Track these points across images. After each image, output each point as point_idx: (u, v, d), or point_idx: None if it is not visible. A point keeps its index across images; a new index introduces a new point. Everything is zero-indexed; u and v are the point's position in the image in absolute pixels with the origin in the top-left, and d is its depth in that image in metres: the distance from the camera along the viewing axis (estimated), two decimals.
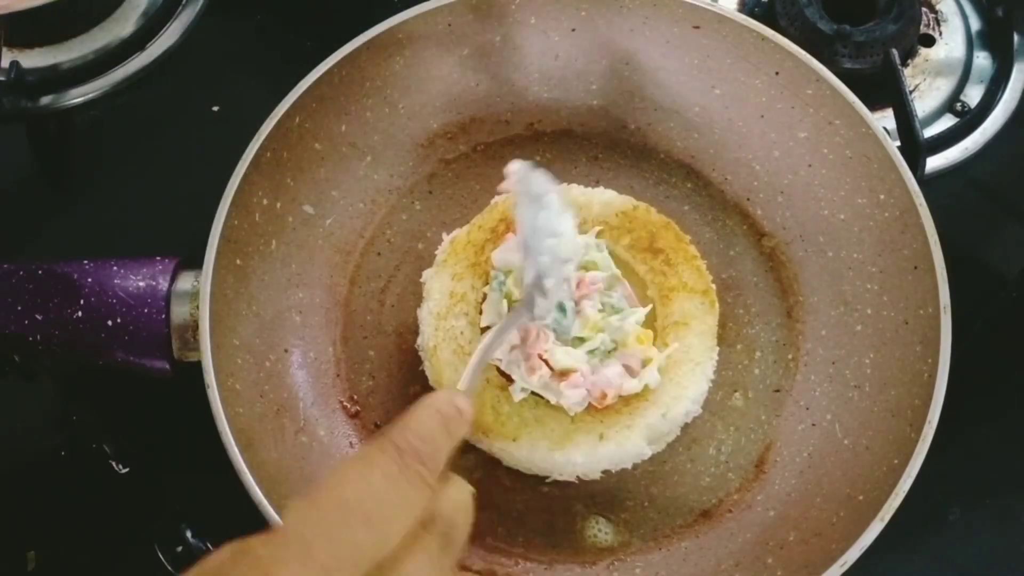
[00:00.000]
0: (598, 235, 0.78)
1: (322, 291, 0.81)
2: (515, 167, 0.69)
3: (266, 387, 0.75)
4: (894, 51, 0.89)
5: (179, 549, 0.76)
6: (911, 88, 0.94)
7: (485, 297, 0.76)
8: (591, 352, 0.72)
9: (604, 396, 0.72)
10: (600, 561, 0.74)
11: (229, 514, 0.71)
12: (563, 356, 0.71)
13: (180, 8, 0.98)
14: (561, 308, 0.72)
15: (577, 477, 0.74)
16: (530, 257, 0.66)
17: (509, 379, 0.73)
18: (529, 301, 0.66)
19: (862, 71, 0.91)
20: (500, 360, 0.72)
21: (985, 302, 0.86)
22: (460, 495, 0.51)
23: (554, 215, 0.68)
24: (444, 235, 0.82)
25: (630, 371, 0.73)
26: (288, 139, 0.79)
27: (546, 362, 0.72)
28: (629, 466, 0.75)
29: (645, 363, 0.73)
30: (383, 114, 0.84)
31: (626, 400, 0.73)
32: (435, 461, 0.49)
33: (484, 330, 0.75)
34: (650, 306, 0.76)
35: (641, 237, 0.79)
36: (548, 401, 0.72)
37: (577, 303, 0.73)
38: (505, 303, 0.74)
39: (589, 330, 0.72)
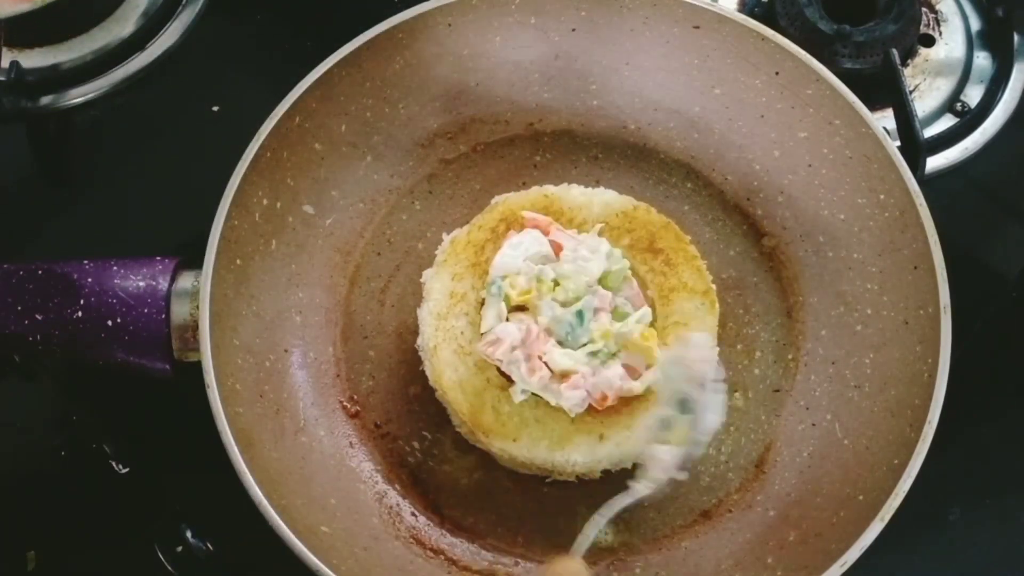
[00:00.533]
0: (599, 234, 0.78)
1: (322, 291, 0.81)
2: (700, 339, 0.69)
3: (266, 387, 0.75)
4: (894, 51, 0.89)
5: (179, 549, 0.76)
6: (911, 88, 0.94)
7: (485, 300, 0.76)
8: (593, 354, 0.72)
9: (605, 398, 0.72)
10: (600, 561, 0.74)
11: (229, 514, 0.71)
12: (562, 358, 0.71)
13: (180, 8, 0.98)
14: (579, 315, 0.72)
15: (577, 477, 0.74)
16: (695, 407, 0.66)
17: (510, 379, 0.73)
18: (659, 480, 0.66)
19: (862, 71, 0.91)
20: (501, 361, 0.72)
21: (985, 302, 0.86)
22: None
23: (712, 406, 0.66)
24: (444, 235, 0.82)
25: (632, 372, 0.73)
26: (288, 139, 0.79)
27: (546, 363, 0.72)
28: (629, 466, 0.75)
29: (648, 365, 0.73)
30: (383, 114, 0.84)
31: (626, 400, 0.73)
32: None
33: (483, 335, 0.75)
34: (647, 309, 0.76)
35: (641, 237, 0.79)
36: (548, 402, 0.72)
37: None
38: (504, 307, 0.74)
39: (599, 337, 0.72)
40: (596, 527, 0.63)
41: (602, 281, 0.74)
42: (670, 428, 0.67)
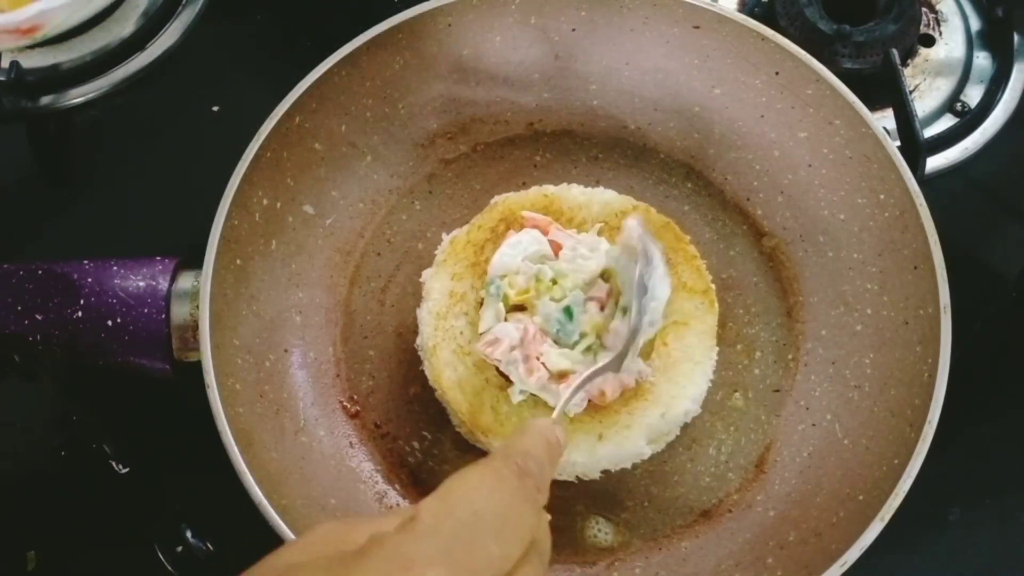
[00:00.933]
0: (598, 234, 0.78)
1: (322, 291, 0.81)
2: (633, 223, 0.70)
3: (266, 387, 0.75)
4: (894, 51, 0.89)
5: (179, 549, 0.76)
6: (911, 88, 0.94)
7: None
8: (585, 351, 0.72)
9: (603, 394, 0.72)
10: (600, 561, 0.74)
11: (229, 514, 0.71)
12: (559, 358, 0.71)
13: (180, 8, 0.98)
14: (568, 312, 0.72)
15: (577, 477, 0.74)
16: (633, 312, 0.68)
17: (509, 379, 0.73)
18: (622, 354, 0.68)
19: (862, 71, 0.91)
20: (500, 361, 0.72)
21: (985, 302, 0.86)
22: (545, 521, 0.52)
23: (659, 279, 0.70)
24: (444, 235, 0.82)
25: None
26: (288, 139, 0.79)
27: (543, 364, 0.72)
28: (629, 466, 0.75)
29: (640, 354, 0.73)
30: (383, 114, 0.84)
31: (625, 400, 0.73)
32: (545, 487, 0.51)
33: (482, 334, 0.75)
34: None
35: None
36: (547, 402, 0.72)
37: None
38: (503, 307, 0.74)
39: (590, 330, 0.72)
40: (568, 395, 0.64)
41: (604, 275, 0.74)
42: (627, 311, 0.69)
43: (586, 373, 0.67)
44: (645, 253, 0.69)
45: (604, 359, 0.69)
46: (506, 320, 0.73)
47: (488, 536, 0.45)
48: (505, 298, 0.73)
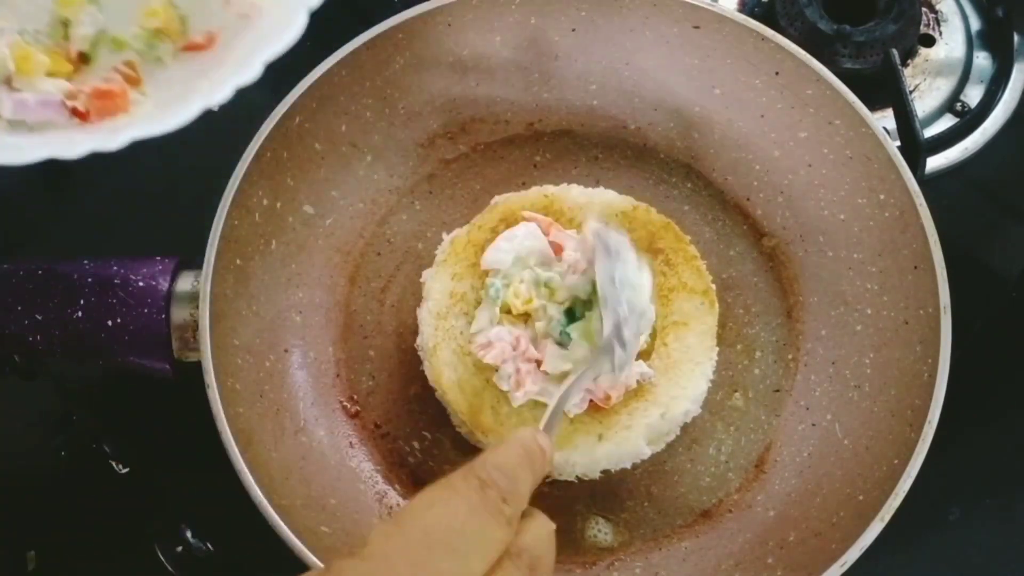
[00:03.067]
0: None
1: (322, 291, 0.81)
2: (593, 227, 0.71)
3: (266, 387, 0.75)
4: (894, 51, 0.89)
5: (179, 549, 0.76)
6: (911, 88, 0.94)
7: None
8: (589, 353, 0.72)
9: (608, 397, 0.72)
10: (600, 561, 0.74)
11: (229, 514, 0.71)
12: (560, 361, 0.71)
13: None
14: (569, 314, 0.72)
15: (577, 477, 0.74)
16: (608, 308, 0.68)
17: None
18: (608, 351, 0.67)
19: (862, 71, 0.91)
20: (493, 364, 0.72)
21: (985, 302, 0.86)
22: (543, 530, 0.52)
23: (631, 268, 0.70)
24: (444, 235, 0.82)
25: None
26: (288, 139, 0.79)
27: (538, 363, 0.72)
28: (629, 466, 0.75)
29: (641, 355, 0.74)
30: (383, 114, 0.84)
31: (625, 400, 0.73)
32: (517, 497, 0.50)
33: (474, 333, 0.75)
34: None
35: (641, 237, 0.79)
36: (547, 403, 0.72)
37: None
38: (498, 311, 0.74)
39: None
40: (554, 404, 0.62)
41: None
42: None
43: (578, 375, 0.66)
44: (608, 250, 0.69)
45: (591, 366, 0.68)
46: (500, 323, 0.74)
47: (439, 553, 0.45)
48: (508, 307, 0.73)
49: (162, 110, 0.63)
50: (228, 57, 0.66)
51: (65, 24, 0.67)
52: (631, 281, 0.69)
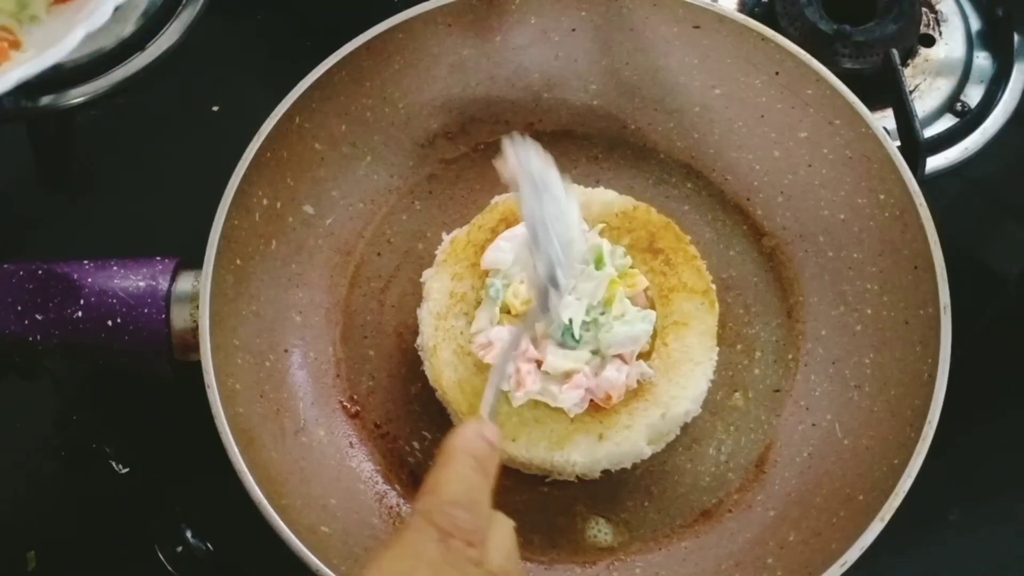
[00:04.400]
0: (599, 234, 0.78)
1: (322, 291, 0.81)
2: (510, 145, 0.65)
3: (266, 387, 0.75)
4: (894, 51, 0.89)
5: (179, 549, 0.76)
6: (911, 88, 0.94)
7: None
8: (592, 353, 0.72)
9: (609, 398, 0.72)
10: (600, 561, 0.74)
11: (229, 514, 0.71)
12: (562, 360, 0.71)
13: (180, 8, 0.97)
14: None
15: (577, 477, 0.74)
16: (540, 251, 0.63)
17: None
18: (542, 297, 0.63)
19: (862, 71, 0.91)
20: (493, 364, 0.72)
21: (985, 302, 0.86)
22: (506, 540, 0.48)
23: (560, 200, 0.64)
24: (444, 235, 0.82)
25: (623, 359, 0.73)
26: (288, 139, 0.79)
27: (538, 363, 0.72)
28: (629, 466, 0.75)
29: (641, 355, 0.74)
30: (383, 114, 0.84)
31: (625, 400, 0.73)
32: (480, 529, 0.47)
33: (474, 333, 0.75)
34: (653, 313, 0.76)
35: (641, 237, 0.79)
36: (547, 403, 0.72)
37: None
38: (498, 312, 0.74)
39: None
40: (498, 374, 0.59)
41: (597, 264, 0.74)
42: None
43: (511, 336, 0.63)
44: (535, 183, 0.63)
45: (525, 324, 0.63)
46: (501, 323, 0.74)
47: None
48: (504, 306, 0.73)
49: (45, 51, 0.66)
50: None
51: None
52: (560, 213, 0.63)
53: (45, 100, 0.92)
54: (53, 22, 0.72)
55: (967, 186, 0.92)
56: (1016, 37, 0.96)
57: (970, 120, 0.93)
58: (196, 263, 0.73)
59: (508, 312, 0.74)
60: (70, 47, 0.66)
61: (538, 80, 0.87)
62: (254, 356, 0.75)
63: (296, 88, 0.79)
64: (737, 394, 0.79)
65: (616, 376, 0.72)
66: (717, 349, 0.77)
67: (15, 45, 0.69)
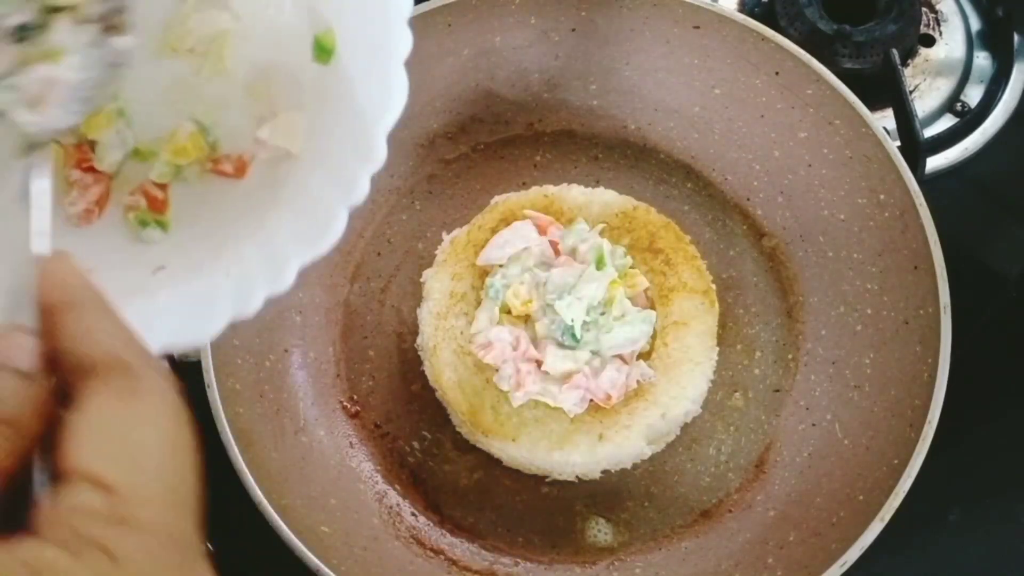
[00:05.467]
0: (599, 235, 0.78)
1: (322, 291, 0.81)
2: None
3: (266, 387, 0.75)
4: (894, 51, 0.89)
5: None
6: (911, 88, 0.94)
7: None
8: (592, 353, 0.72)
9: (609, 398, 0.72)
10: (600, 561, 0.74)
11: (229, 514, 0.71)
12: (562, 360, 0.71)
13: None
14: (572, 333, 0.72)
15: (577, 477, 0.74)
16: None
17: None
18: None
19: (862, 71, 0.91)
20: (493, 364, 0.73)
21: (985, 302, 0.86)
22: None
23: None
24: (444, 235, 0.82)
25: (622, 359, 0.73)
26: None
27: (545, 371, 0.72)
28: (629, 466, 0.75)
29: (641, 355, 0.73)
30: None
31: (625, 400, 0.73)
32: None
33: (474, 334, 0.75)
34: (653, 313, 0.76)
35: (641, 237, 0.79)
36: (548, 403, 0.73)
37: None
38: (498, 311, 0.74)
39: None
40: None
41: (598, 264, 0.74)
42: None
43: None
44: None
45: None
46: (500, 324, 0.74)
47: None
48: (507, 307, 0.73)
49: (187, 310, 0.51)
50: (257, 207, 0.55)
51: (91, 144, 0.58)
52: None
53: None
54: (204, 192, 0.58)
55: (967, 186, 0.92)
56: (1016, 37, 0.96)
57: (970, 120, 0.93)
58: None
59: (508, 312, 0.74)
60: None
61: (538, 80, 0.87)
62: (254, 356, 0.75)
63: None
64: (737, 394, 0.79)
65: (616, 376, 0.72)
66: (717, 349, 0.77)
67: (159, 207, 0.56)
